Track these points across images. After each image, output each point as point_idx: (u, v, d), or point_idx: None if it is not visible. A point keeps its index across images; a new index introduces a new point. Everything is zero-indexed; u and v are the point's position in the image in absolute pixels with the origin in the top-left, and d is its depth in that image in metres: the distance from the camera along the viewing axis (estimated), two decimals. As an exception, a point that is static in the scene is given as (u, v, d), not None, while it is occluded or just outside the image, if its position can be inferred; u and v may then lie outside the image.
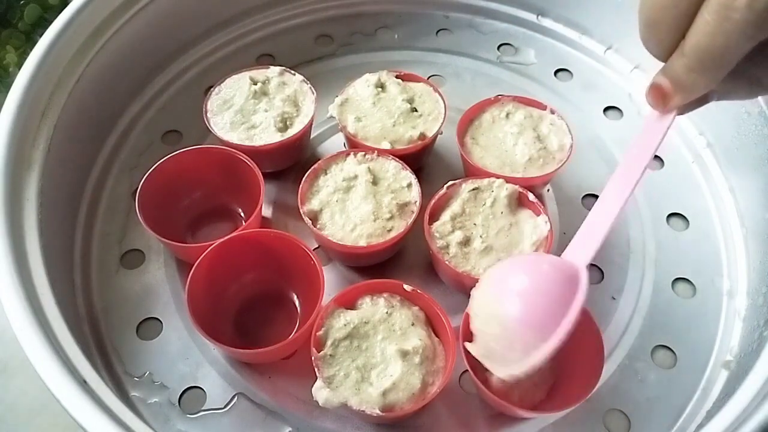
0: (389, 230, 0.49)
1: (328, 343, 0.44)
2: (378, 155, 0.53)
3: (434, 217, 0.50)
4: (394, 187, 0.51)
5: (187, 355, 0.49)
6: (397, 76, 0.59)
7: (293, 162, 0.60)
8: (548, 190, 0.59)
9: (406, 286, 0.46)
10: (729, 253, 0.55)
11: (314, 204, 0.50)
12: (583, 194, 0.59)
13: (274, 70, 0.59)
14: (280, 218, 0.57)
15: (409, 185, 0.52)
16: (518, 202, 0.51)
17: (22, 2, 0.69)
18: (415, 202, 0.51)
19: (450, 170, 0.60)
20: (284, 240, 0.48)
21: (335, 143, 0.62)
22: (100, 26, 0.58)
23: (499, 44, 0.71)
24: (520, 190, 0.51)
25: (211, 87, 0.58)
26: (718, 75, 0.32)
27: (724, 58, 0.31)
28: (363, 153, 0.53)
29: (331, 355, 0.43)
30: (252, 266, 0.50)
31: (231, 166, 0.53)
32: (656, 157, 0.61)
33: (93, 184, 0.58)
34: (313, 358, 0.43)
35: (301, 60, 0.69)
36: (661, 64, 0.35)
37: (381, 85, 0.58)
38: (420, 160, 0.58)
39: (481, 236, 0.49)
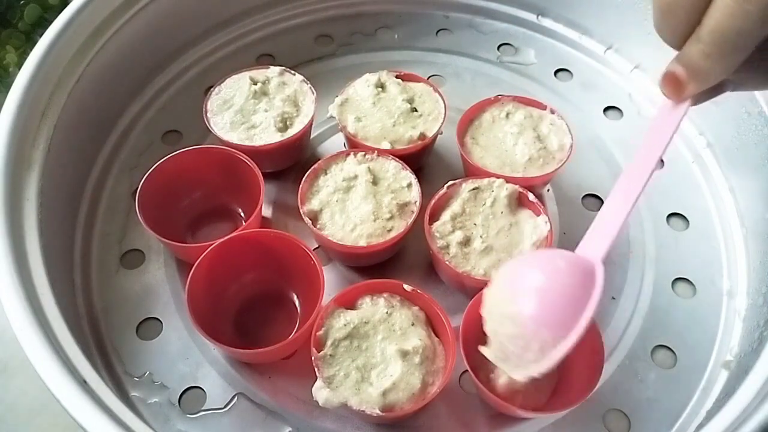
0: (389, 230, 0.49)
1: (328, 343, 0.44)
2: (378, 155, 0.53)
3: (434, 217, 0.50)
4: (394, 187, 0.51)
5: (187, 355, 0.49)
6: (397, 76, 0.59)
7: (293, 162, 0.60)
8: (548, 190, 0.59)
9: (406, 286, 0.46)
10: (729, 253, 0.55)
11: (314, 204, 0.50)
12: (583, 194, 0.59)
13: (274, 70, 0.59)
14: (280, 218, 0.57)
15: (409, 185, 0.52)
16: (518, 202, 0.51)
17: (22, 2, 0.69)
18: (415, 202, 0.51)
19: (450, 170, 0.60)
20: (284, 240, 0.48)
21: (335, 143, 0.62)
22: (100, 26, 0.58)
23: (499, 44, 0.71)
24: (520, 190, 0.51)
25: (211, 87, 0.58)
26: (736, 60, 0.31)
27: (742, 41, 0.30)
28: (363, 153, 0.53)
29: (331, 355, 0.43)
30: (252, 266, 0.50)
31: (231, 166, 0.53)
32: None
33: (93, 184, 0.58)
34: (313, 358, 0.43)
35: (301, 60, 0.69)
36: (664, 60, 0.35)
37: (381, 85, 0.58)
38: (420, 160, 0.58)
39: (481, 236, 0.49)
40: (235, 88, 0.58)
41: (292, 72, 0.59)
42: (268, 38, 0.71)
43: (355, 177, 0.51)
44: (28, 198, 0.48)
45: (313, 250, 0.47)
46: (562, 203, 0.58)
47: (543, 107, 0.57)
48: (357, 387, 0.42)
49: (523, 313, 0.36)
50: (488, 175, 0.51)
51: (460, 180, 0.51)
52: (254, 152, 0.53)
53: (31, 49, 0.53)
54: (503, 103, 0.57)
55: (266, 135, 0.55)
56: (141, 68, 0.64)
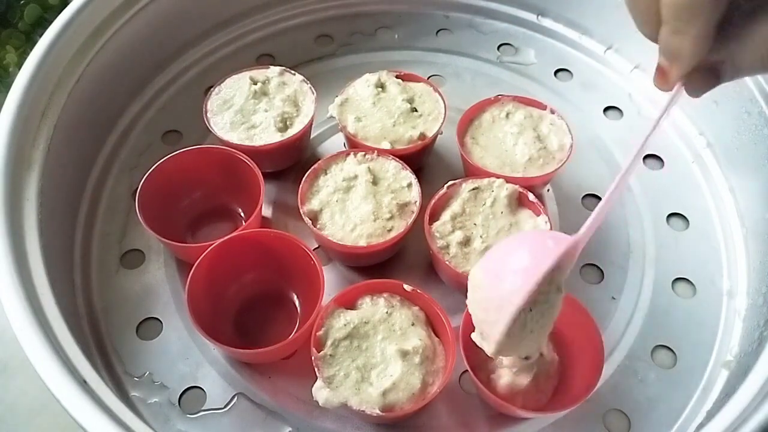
0: (389, 230, 0.49)
1: (328, 343, 0.44)
2: (378, 155, 0.53)
3: (434, 217, 0.50)
4: (394, 187, 0.51)
5: (187, 355, 0.49)
6: (397, 76, 0.59)
7: (293, 162, 0.60)
8: (548, 190, 0.59)
9: (406, 286, 0.46)
10: (729, 253, 0.55)
11: (314, 204, 0.50)
12: (583, 194, 0.59)
13: (274, 70, 0.59)
14: (280, 218, 0.57)
15: (409, 185, 0.52)
16: (518, 202, 0.51)
17: (22, 2, 0.69)
18: (415, 202, 0.51)
19: (450, 170, 0.60)
20: (284, 240, 0.48)
21: (335, 143, 0.62)
22: (100, 26, 0.58)
23: (499, 44, 0.71)
24: (520, 190, 0.51)
25: (211, 87, 0.58)
26: (702, 28, 0.31)
27: (698, 5, 0.30)
28: (363, 153, 0.53)
29: (331, 355, 0.43)
30: (252, 266, 0.50)
31: (231, 166, 0.53)
32: (656, 156, 0.61)
33: (93, 184, 0.58)
34: (313, 358, 0.43)
35: (301, 60, 0.69)
36: None
37: (381, 85, 0.58)
38: (420, 160, 0.58)
39: (481, 236, 0.49)
40: (235, 88, 0.58)
41: (292, 72, 0.59)
42: (268, 38, 0.71)
43: (355, 177, 0.51)
44: (28, 198, 0.48)
45: (313, 250, 0.47)
46: (562, 203, 0.58)
47: (543, 107, 0.57)
48: (357, 387, 0.42)
49: (482, 271, 0.38)
50: (488, 175, 0.51)
51: (460, 180, 0.51)
52: (254, 152, 0.53)
53: (31, 49, 0.53)
54: (503, 103, 0.57)
55: (266, 135, 0.55)
56: (141, 68, 0.64)
